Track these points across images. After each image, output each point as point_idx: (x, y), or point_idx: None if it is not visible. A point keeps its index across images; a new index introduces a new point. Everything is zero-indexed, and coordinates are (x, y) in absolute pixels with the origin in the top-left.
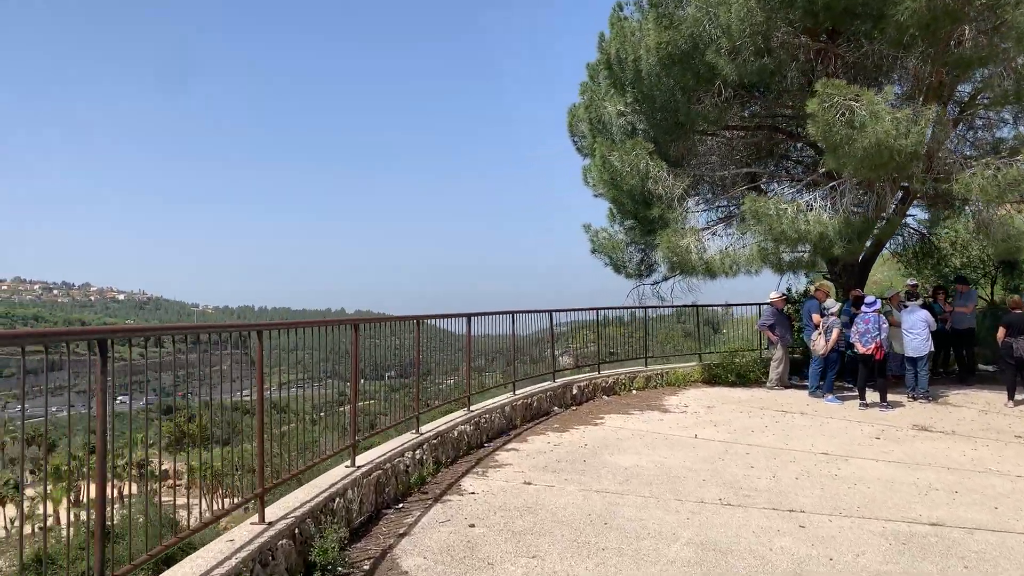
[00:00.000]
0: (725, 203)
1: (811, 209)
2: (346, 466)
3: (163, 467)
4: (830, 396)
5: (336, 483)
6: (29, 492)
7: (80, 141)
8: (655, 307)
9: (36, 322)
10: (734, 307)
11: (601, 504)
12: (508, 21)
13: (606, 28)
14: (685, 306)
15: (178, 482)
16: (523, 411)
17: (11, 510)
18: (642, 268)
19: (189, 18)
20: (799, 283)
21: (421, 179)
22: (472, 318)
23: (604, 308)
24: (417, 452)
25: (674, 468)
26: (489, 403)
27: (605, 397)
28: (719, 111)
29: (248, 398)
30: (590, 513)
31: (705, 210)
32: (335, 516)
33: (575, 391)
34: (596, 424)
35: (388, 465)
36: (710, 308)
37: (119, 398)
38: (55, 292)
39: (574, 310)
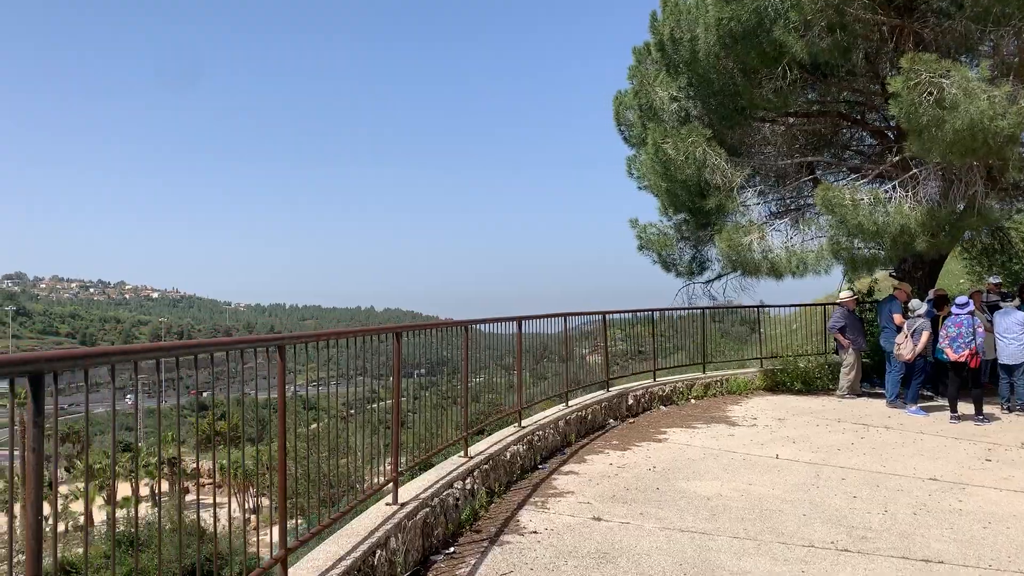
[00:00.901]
0: (782, 196)
1: (890, 200)
2: (387, 503)
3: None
4: (913, 407)
5: (377, 529)
6: (63, 490)
7: (115, 140)
8: (713, 307)
9: (73, 319)
10: (795, 307)
11: (691, 548)
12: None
13: (658, 8)
14: (747, 306)
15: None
16: (577, 425)
17: (46, 508)
18: (693, 266)
19: (222, 19)
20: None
21: (454, 176)
22: (523, 321)
23: (661, 309)
24: (467, 481)
25: (764, 498)
26: (540, 417)
27: (663, 407)
28: (783, 95)
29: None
30: (681, 562)
31: (760, 203)
32: (375, 574)
33: (631, 401)
34: (660, 440)
35: (436, 500)
36: (763, 309)
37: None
38: (91, 290)
39: (629, 311)
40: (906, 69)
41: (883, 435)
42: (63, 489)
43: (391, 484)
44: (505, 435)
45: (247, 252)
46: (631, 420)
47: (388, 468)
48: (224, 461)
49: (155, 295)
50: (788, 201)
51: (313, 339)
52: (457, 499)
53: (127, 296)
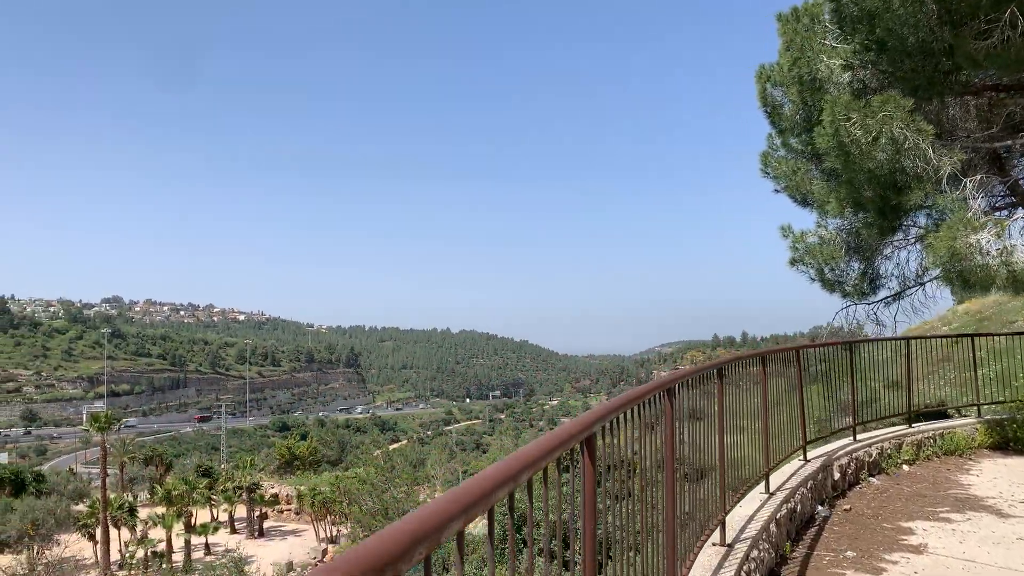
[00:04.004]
0: (995, 186)
1: None
2: None
3: None
4: None
5: None
6: (142, 514)
7: (208, 168)
8: (928, 337)
9: (164, 341)
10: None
11: None
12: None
13: None
14: (956, 336)
15: None
16: (787, 523)
17: (125, 534)
18: (863, 283)
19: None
20: None
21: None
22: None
23: (854, 341)
24: None
25: None
26: (740, 517)
27: (873, 479)
28: (1014, 49)
29: None
30: None
31: (982, 196)
32: None
33: (836, 474)
34: (913, 548)
35: None
36: (977, 337)
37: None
38: (182, 313)
39: (820, 344)
40: None
41: None
42: (142, 514)
43: None
44: (708, 559)
45: (327, 275)
46: (845, 507)
47: None
48: None
49: (241, 317)
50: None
51: None
52: None
53: (215, 319)
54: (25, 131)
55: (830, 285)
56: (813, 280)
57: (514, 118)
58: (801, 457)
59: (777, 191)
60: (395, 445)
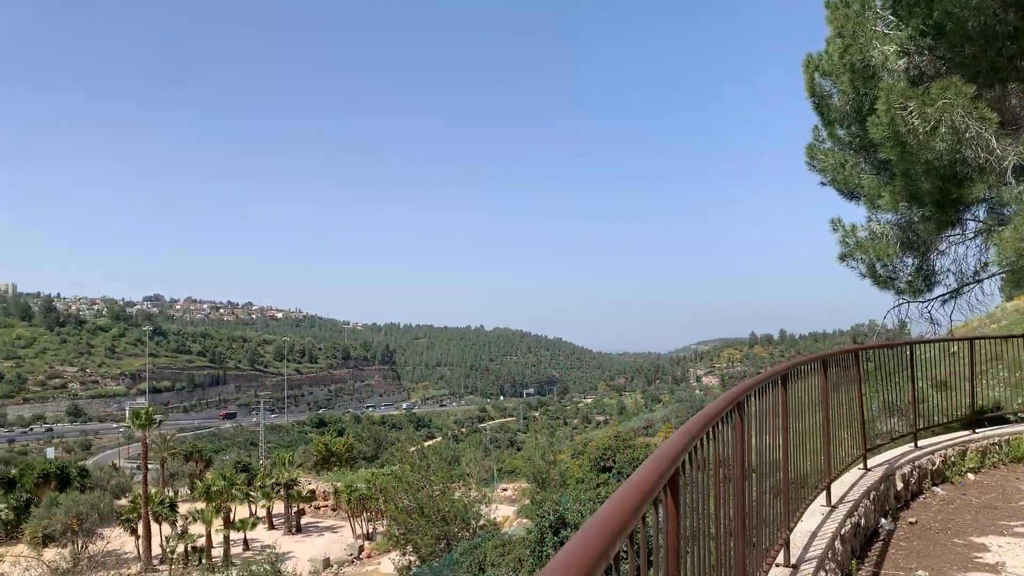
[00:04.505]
0: None
1: None
2: None
3: None
4: None
5: None
6: (182, 509)
7: (249, 168)
8: (994, 337)
9: (204, 339)
10: None
11: None
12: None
13: None
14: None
15: None
16: (851, 539)
17: (166, 529)
18: (918, 280)
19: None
20: None
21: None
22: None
23: (911, 342)
24: None
25: None
26: (802, 534)
27: (937, 489)
28: None
29: None
30: None
31: None
32: None
33: (899, 484)
34: (990, 569)
35: None
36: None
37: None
38: (221, 311)
39: (877, 345)
40: None
41: None
42: (182, 509)
43: None
44: None
45: (363, 273)
46: (910, 520)
47: None
48: None
49: (279, 315)
50: None
51: None
52: None
53: (253, 316)
54: (70, 134)
55: (882, 281)
56: (864, 276)
57: (519, 117)
58: (861, 466)
59: (823, 184)
60: (430, 442)
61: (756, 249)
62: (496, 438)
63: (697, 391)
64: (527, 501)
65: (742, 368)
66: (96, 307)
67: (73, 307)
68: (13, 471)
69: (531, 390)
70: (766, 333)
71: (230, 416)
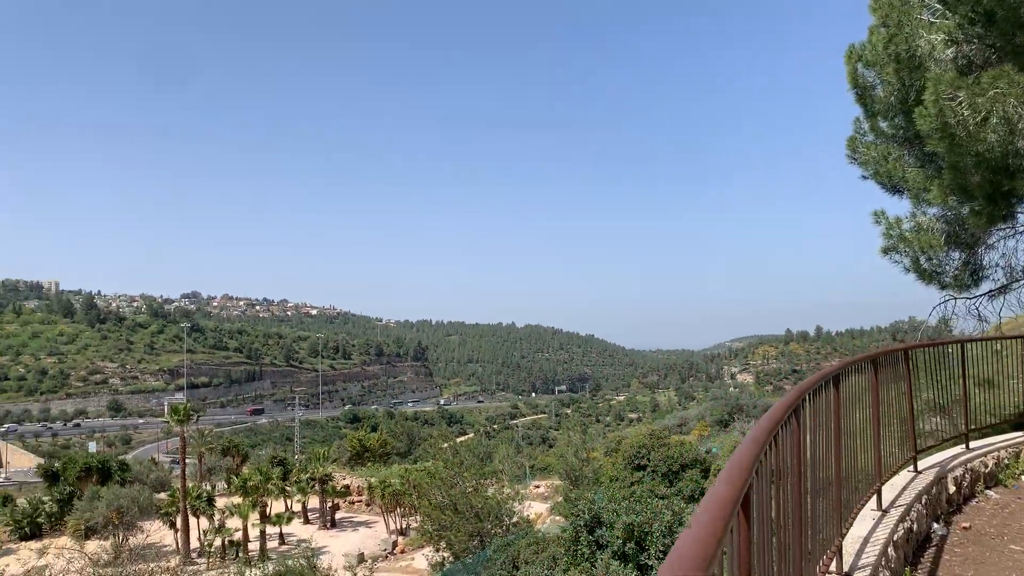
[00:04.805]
0: None
1: None
2: None
3: None
4: None
5: None
6: (219, 503)
7: (282, 168)
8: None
9: (240, 335)
10: None
11: None
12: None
13: None
14: None
15: None
16: (904, 546)
17: (204, 522)
18: (964, 275)
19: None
20: None
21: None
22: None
23: (960, 340)
24: None
25: None
26: (852, 540)
27: (990, 493)
28: None
29: None
30: None
31: None
32: None
33: (951, 488)
34: None
35: None
36: None
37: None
38: (257, 308)
39: (929, 344)
40: None
41: None
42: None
43: None
44: None
45: (395, 270)
46: (963, 525)
47: None
48: None
49: (314, 312)
50: None
51: None
52: None
53: (288, 313)
54: (104, 132)
55: (927, 276)
56: (907, 270)
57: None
58: (911, 468)
59: (865, 177)
60: (462, 438)
61: (790, 245)
62: (528, 435)
63: (732, 388)
64: (560, 498)
65: (777, 365)
66: (135, 304)
67: (113, 304)
68: (57, 464)
69: (563, 387)
70: (802, 330)
71: (258, 412)
